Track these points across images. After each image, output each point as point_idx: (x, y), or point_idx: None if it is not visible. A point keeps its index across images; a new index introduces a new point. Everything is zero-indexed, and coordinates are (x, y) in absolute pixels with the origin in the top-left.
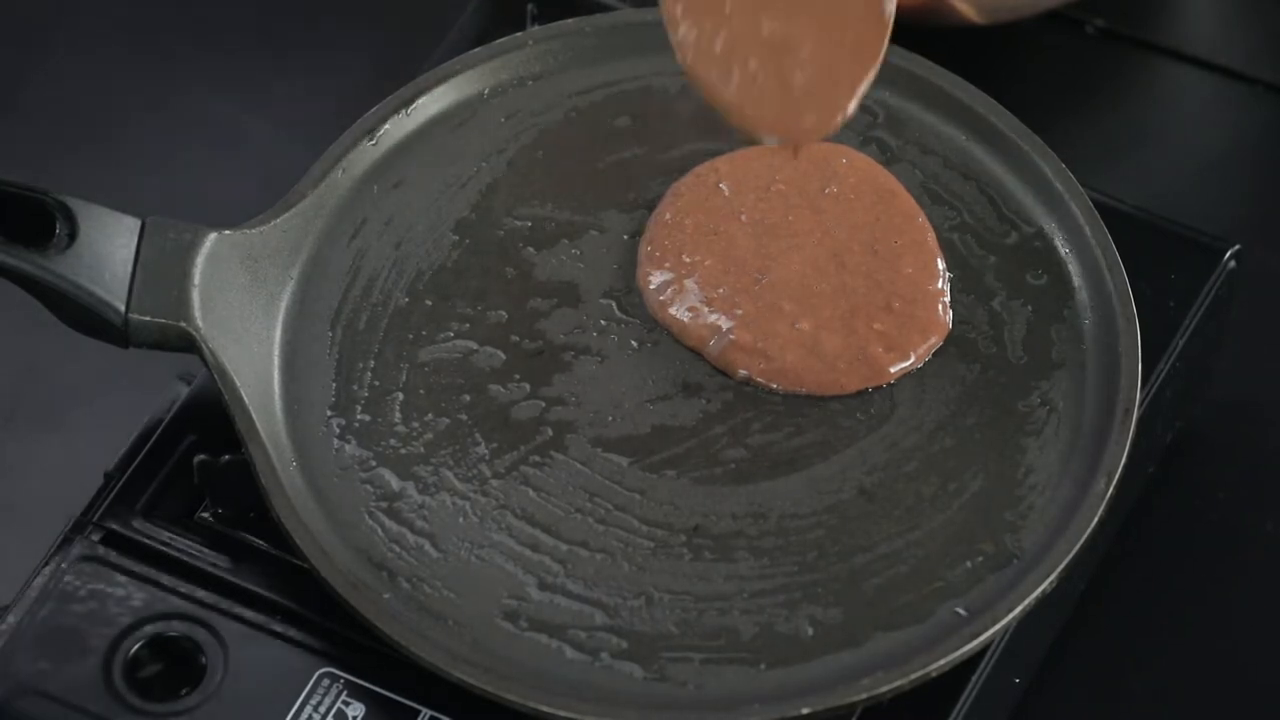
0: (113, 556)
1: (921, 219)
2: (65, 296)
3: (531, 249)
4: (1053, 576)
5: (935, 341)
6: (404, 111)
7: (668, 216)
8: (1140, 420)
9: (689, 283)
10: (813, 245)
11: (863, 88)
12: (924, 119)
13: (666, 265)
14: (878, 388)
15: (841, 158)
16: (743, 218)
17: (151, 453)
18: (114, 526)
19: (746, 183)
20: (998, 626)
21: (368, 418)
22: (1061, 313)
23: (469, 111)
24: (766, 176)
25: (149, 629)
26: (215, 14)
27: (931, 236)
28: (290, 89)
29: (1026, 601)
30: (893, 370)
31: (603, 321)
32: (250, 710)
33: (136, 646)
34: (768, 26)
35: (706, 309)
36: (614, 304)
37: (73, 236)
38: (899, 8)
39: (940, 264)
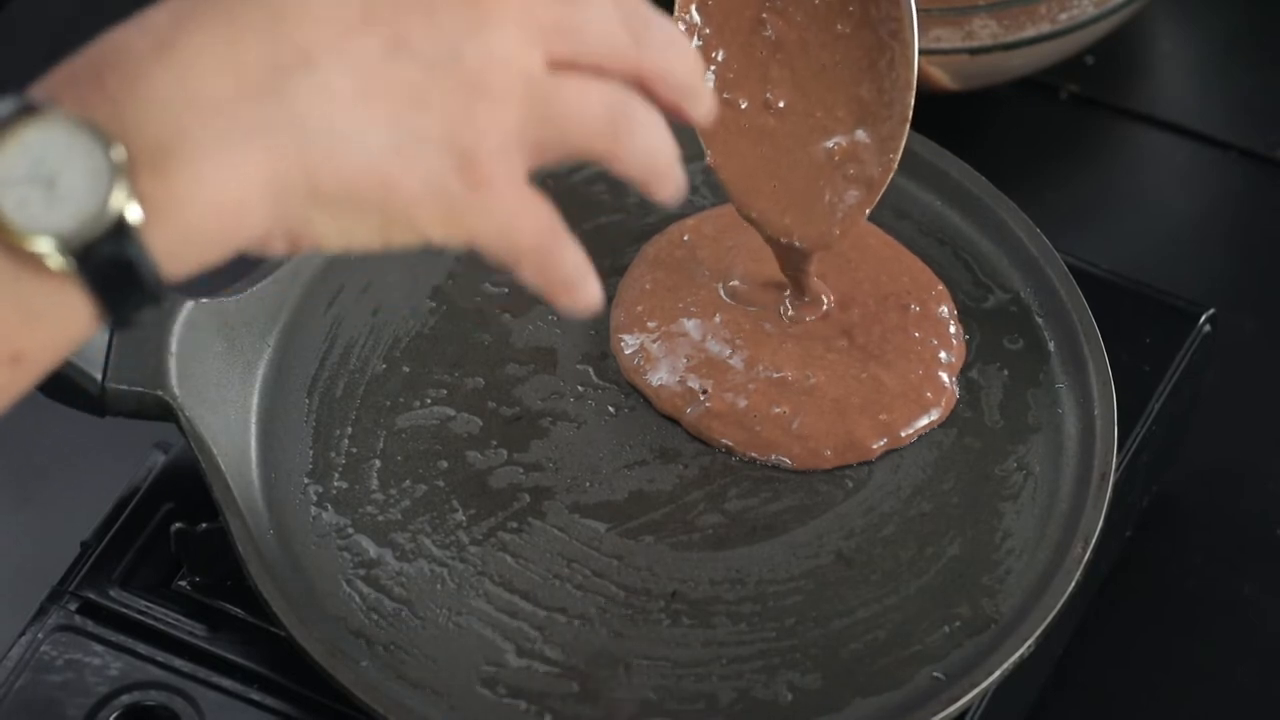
0: (89, 626)
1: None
2: None
3: (508, 315)
4: (1030, 641)
5: (938, 419)
6: None
7: (636, 280)
8: (1117, 484)
9: (659, 348)
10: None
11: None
12: (898, 184)
13: (636, 330)
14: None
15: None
16: (705, 273)
17: (128, 521)
18: (91, 595)
19: (718, 241)
20: (976, 691)
21: (345, 485)
22: (1037, 377)
23: None
24: (735, 234)
25: (126, 698)
26: None
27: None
28: None
29: (1004, 666)
30: (876, 446)
31: (579, 387)
32: None
33: (114, 716)
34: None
35: (676, 377)
36: (590, 370)
37: None
38: None
39: (956, 330)
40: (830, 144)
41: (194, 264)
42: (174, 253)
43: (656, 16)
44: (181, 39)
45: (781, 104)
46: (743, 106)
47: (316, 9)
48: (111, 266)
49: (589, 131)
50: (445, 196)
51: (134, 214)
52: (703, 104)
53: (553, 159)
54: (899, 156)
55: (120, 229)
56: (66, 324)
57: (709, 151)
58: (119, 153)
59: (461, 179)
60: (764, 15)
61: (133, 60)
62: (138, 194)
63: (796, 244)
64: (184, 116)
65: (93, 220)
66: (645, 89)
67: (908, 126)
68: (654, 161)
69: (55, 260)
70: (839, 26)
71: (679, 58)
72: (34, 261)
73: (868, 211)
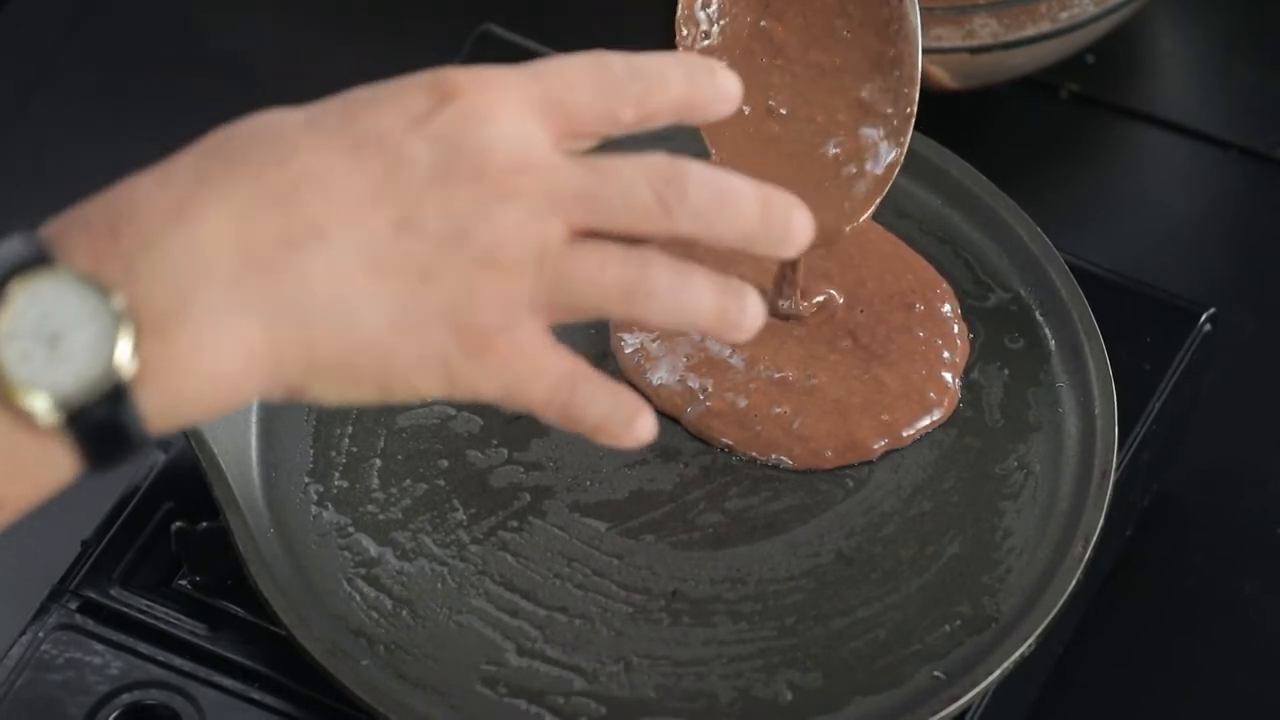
0: (90, 625)
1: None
2: None
3: None
4: (1031, 640)
5: (940, 419)
6: None
7: None
8: (1117, 483)
9: (659, 346)
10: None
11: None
12: (898, 183)
13: (636, 329)
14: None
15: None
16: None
17: (129, 521)
18: (91, 594)
19: None
20: (976, 690)
21: (345, 484)
22: (1038, 376)
23: None
24: None
25: (126, 697)
26: (195, 84)
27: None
28: None
29: (1005, 665)
30: (877, 447)
31: None
32: None
33: (114, 715)
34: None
35: (676, 376)
36: None
37: None
38: None
39: (960, 329)
40: (834, 146)
41: (182, 424)
42: (164, 414)
43: (699, 177)
44: (197, 205)
45: (783, 110)
46: (746, 112)
47: (333, 181)
48: (102, 427)
49: (603, 299)
50: (445, 366)
51: (131, 378)
52: (768, 246)
53: (573, 319)
54: (904, 153)
55: (117, 393)
56: (50, 474)
57: (713, 151)
58: (126, 321)
59: (462, 350)
60: (763, 22)
61: (149, 218)
62: (138, 359)
63: None
64: (192, 286)
65: (92, 385)
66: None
67: (912, 124)
68: (693, 319)
69: (48, 418)
70: (839, 30)
71: (723, 218)
72: (26, 416)
73: (874, 206)
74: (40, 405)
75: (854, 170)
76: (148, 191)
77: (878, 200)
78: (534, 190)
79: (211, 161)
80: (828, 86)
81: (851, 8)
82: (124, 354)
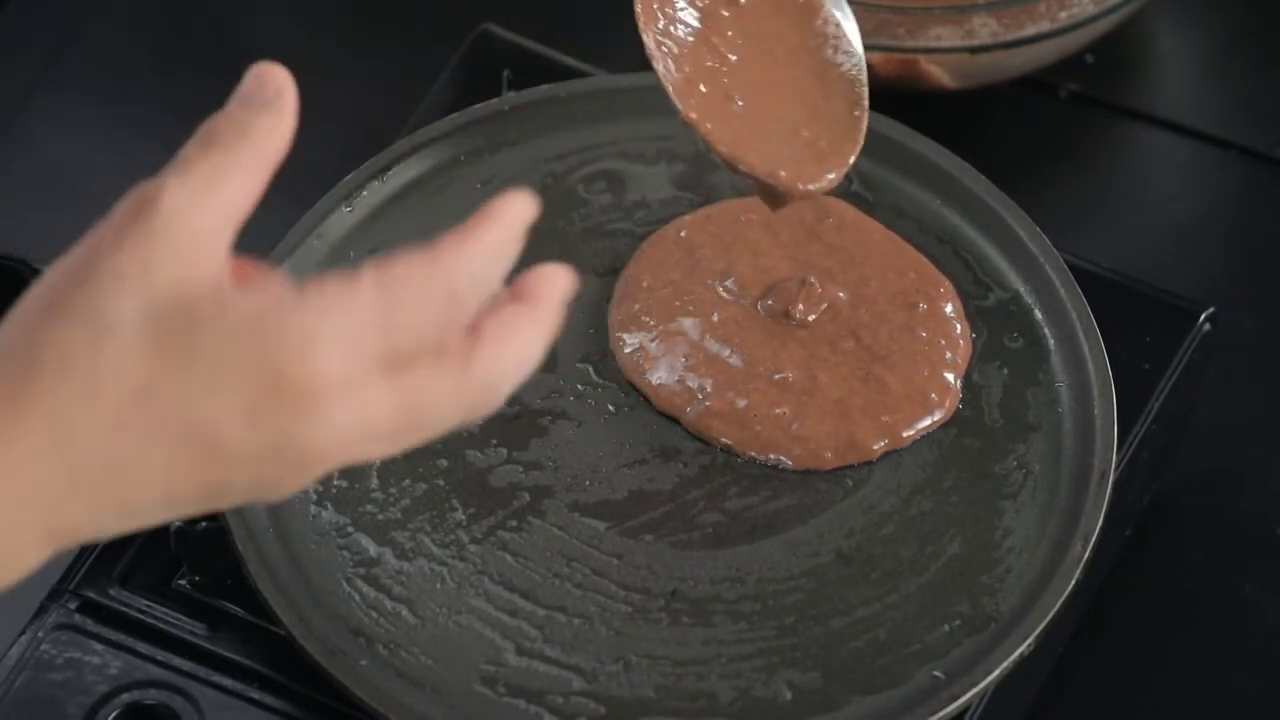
0: (89, 624)
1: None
2: None
3: None
4: (1030, 640)
5: (941, 419)
6: (380, 178)
7: (634, 279)
8: (1116, 483)
9: (658, 346)
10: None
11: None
12: (897, 183)
13: (635, 329)
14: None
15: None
16: (704, 271)
17: None
18: (90, 594)
19: (717, 238)
20: (976, 690)
21: (345, 483)
22: (1037, 376)
23: (445, 178)
24: (733, 231)
25: (126, 697)
26: (189, 84)
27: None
28: None
29: (1004, 665)
30: (877, 447)
31: (579, 386)
32: None
33: (114, 715)
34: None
35: (675, 376)
36: (590, 369)
37: None
38: (872, 74)
39: (963, 329)
40: (793, 130)
41: None
42: None
43: (513, 380)
44: (11, 458)
45: (740, 104)
46: (706, 93)
47: (150, 468)
48: None
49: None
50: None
51: None
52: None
53: None
54: (862, 136)
55: None
56: None
57: (682, 108)
58: None
59: (269, 495)
60: (707, 35)
61: None
62: None
63: (782, 188)
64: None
65: None
66: None
67: (866, 119)
68: None
69: None
70: (775, 51)
71: (522, 343)
72: None
73: (851, 160)
74: None
75: (823, 144)
76: None
77: (847, 165)
78: (346, 456)
79: (30, 397)
80: (775, 94)
81: (787, 33)
82: None
